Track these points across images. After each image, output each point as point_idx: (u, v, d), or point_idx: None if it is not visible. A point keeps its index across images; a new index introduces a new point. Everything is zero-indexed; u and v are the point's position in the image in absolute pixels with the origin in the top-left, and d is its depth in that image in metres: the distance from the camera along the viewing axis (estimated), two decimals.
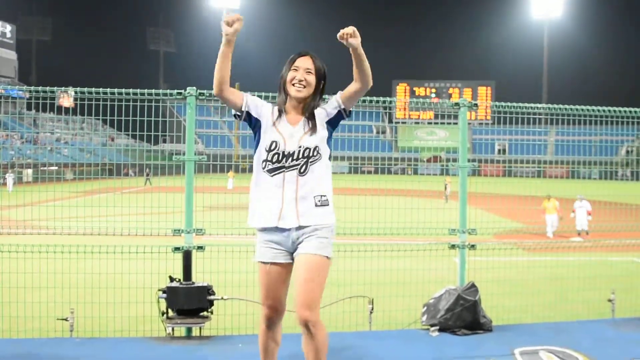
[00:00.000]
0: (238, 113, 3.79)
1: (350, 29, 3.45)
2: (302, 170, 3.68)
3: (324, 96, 3.89)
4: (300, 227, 3.68)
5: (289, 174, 3.68)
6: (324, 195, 3.75)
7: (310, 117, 3.75)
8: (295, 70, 3.74)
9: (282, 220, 3.68)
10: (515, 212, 8.42)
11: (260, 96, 6.12)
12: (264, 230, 3.76)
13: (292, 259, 3.77)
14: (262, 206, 3.74)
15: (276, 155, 3.69)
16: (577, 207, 18.71)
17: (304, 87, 3.72)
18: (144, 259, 5.96)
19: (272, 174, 3.70)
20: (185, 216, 5.97)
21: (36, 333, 6.01)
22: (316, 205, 3.71)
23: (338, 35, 3.46)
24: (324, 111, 3.80)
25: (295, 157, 3.68)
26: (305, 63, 3.75)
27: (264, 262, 3.77)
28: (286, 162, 3.68)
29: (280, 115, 3.77)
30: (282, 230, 3.70)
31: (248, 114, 3.78)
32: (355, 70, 3.62)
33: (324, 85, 3.84)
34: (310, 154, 3.69)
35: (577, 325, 6.39)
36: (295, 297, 3.66)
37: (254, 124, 3.81)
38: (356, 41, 3.48)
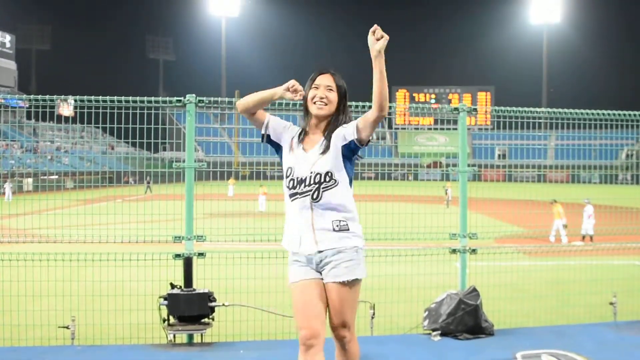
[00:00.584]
0: (262, 135, 3.79)
1: (380, 31, 3.38)
2: (314, 197, 3.59)
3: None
4: (319, 252, 3.60)
5: (302, 200, 3.61)
6: (343, 221, 3.62)
7: (327, 139, 3.65)
8: (316, 88, 3.68)
9: (302, 246, 3.63)
10: (517, 216, 8.41)
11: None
12: (291, 251, 3.74)
13: (320, 275, 3.67)
14: (287, 230, 3.74)
15: (292, 182, 3.65)
16: (584, 211, 18.71)
17: (325, 104, 3.66)
18: (144, 266, 5.96)
19: (292, 199, 3.66)
20: (186, 223, 5.97)
21: (37, 341, 6.00)
22: (334, 230, 3.60)
23: (371, 29, 3.38)
24: (343, 136, 3.65)
25: (307, 182, 3.61)
26: (325, 80, 3.69)
27: (294, 282, 3.66)
28: (299, 188, 3.62)
29: (300, 138, 3.72)
30: (304, 256, 3.66)
31: (268, 137, 3.78)
32: (375, 92, 3.46)
33: (345, 104, 3.75)
34: (322, 180, 3.59)
35: (579, 329, 6.38)
36: (329, 317, 3.66)
37: (276, 147, 3.81)
38: (380, 45, 3.37)
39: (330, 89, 3.68)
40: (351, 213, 3.69)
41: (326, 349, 3.60)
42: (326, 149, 3.63)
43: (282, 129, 3.79)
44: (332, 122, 3.70)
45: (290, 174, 3.67)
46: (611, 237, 7.99)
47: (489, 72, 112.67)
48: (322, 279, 3.66)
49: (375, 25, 3.38)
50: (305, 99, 3.72)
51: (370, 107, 3.59)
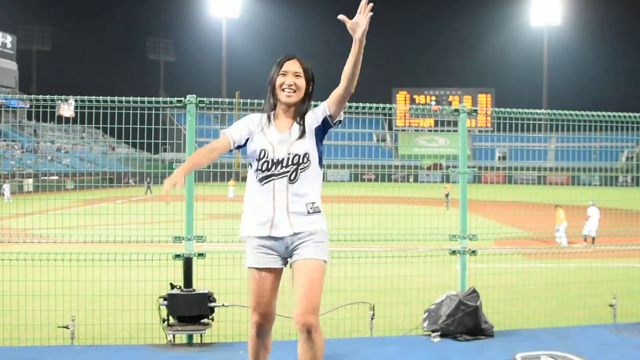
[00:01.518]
0: (230, 149, 3.74)
1: (368, 9, 3.38)
2: (292, 178, 3.63)
3: (313, 102, 3.85)
4: (294, 234, 3.65)
5: (279, 182, 3.63)
6: (315, 202, 3.70)
7: (301, 123, 3.70)
8: (284, 75, 3.68)
9: (274, 228, 3.64)
10: (517, 218, 8.42)
11: (260, 103, 6.16)
12: (255, 236, 3.72)
13: (285, 264, 3.75)
14: (254, 216, 3.70)
15: (266, 163, 3.64)
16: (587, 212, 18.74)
17: (294, 91, 3.67)
18: (144, 266, 5.96)
19: (263, 182, 3.65)
20: (186, 223, 5.97)
21: (37, 341, 5.99)
22: (308, 212, 3.67)
23: (362, 3, 3.37)
24: (314, 117, 3.73)
25: (284, 164, 3.63)
26: (293, 67, 3.69)
27: (257, 268, 3.71)
28: (275, 169, 3.63)
29: (269, 121, 3.73)
30: (276, 238, 3.67)
31: (239, 144, 3.76)
32: (346, 69, 3.51)
33: (312, 88, 3.78)
34: (300, 161, 3.64)
35: (578, 331, 6.38)
36: (297, 302, 3.60)
37: (245, 142, 3.76)
38: (362, 28, 3.38)
39: (298, 75, 3.68)
40: (319, 194, 3.77)
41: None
42: (302, 133, 3.67)
43: (245, 126, 3.76)
44: (300, 110, 3.72)
45: (264, 156, 3.65)
46: (611, 239, 7.98)
47: (489, 74, 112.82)
48: (283, 267, 3.74)
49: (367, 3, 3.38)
50: (273, 85, 3.71)
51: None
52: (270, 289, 3.74)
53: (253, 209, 3.72)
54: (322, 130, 3.74)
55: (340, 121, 3.77)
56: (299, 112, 3.72)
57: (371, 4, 3.38)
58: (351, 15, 3.39)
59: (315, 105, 3.83)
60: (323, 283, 3.69)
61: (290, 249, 3.69)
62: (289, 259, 3.74)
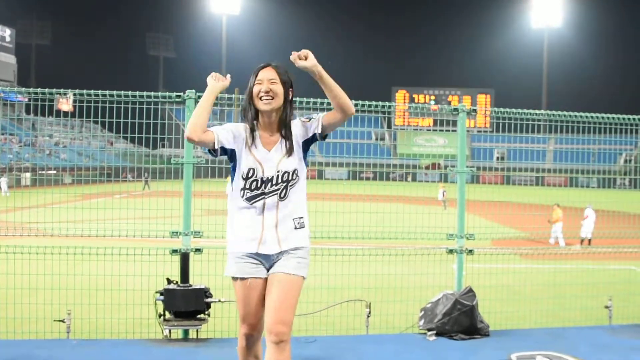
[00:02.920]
0: (212, 150, 3.62)
1: (303, 52, 3.38)
2: (282, 195, 3.59)
3: (310, 116, 3.72)
4: (280, 252, 3.62)
5: (270, 200, 3.59)
6: (301, 217, 3.68)
7: (287, 137, 3.62)
8: (260, 83, 3.59)
9: (262, 245, 3.60)
10: (514, 219, 8.44)
11: None
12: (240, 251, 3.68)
13: (266, 272, 3.68)
14: (241, 234, 3.65)
15: (255, 182, 3.59)
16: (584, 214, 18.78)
17: (272, 98, 3.57)
18: (141, 261, 5.97)
19: (252, 201, 3.60)
20: (184, 218, 5.97)
21: (33, 335, 5.99)
22: (295, 228, 3.64)
23: (291, 57, 3.39)
24: (304, 130, 3.67)
25: (274, 182, 3.58)
26: (267, 74, 3.60)
27: (243, 278, 3.66)
28: (265, 188, 3.58)
29: (253, 137, 3.63)
30: (263, 255, 3.64)
31: (222, 149, 3.62)
32: (330, 97, 3.49)
33: (292, 94, 3.69)
34: (290, 178, 3.60)
35: (574, 331, 6.39)
36: (269, 313, 3.55)
37: (230, 154, 3.66)
38: (309, 63, 3.37)
39: (274, 82, 3.60)
40: (306, 208, 3.75)
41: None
42: (290, 148, 3.61)
43: (231, 134, 3.63)
44: (283, 118, 3.64)
45: (252, 175, 3.59)
46: (608, 241, 8.00)
47: (489, 75, 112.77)
48: (264, 276, 3.67)
49: (293, 54, 3.41)
50: (250, 96, 3.63)
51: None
52: (258, 299, 3.67)
53: (241, 227, 3.66)
54: (309, 142, 3.70)
55: (327, 135, 3.72)
56: (282, 122, 3.64)
57: (300, 52, 3.40)
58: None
59: (305, 113, 3.81)
60: (298, 299, 3.65)
61: (273, 262, 3.65)
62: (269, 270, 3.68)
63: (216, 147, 3.58)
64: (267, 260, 3.65)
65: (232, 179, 3.71)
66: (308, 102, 6.13)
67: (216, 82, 3.62)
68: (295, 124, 3.68)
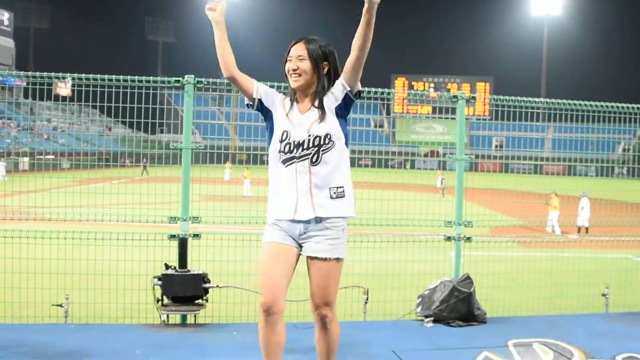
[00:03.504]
0: (250, 102, 3.69)
1: None
2: (314, 160, 3.55)
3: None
4: (316, 218, 3.57)
5: (301, 165, 3.55)
6: (340, 187, 3.61)
7: (320, 106, 3.61)
8: (290, 60, 3.63)
9: (297, 212, 3.56)
10: (512, 207, 8.45)
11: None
12: (276, 219, 3.66)
13: (298, 246, 3.64)
14: (279, 199, 3.63)
15: (288, 145, 3.58)
16: (580, 203, 18.81)
17: (300, 75, 3.59)
18: (139, 246, 5.97)
19: (286, 164, 3.59)
20: (182, 204, 5.97)
21: (31, 319, 6.00)
22: (331, 197, 3.58)
23: None
24: (333, 97, 3.64)
25: (305, 146, 3.55)
26: (297, 51, 3.62)
27: (270, 242, 3.62)
28: (297, 152, 3.56)
29: (292, 104, 3.67)
30: (298, 221, 3.59)
31: (260, 102, 3.68)
32: (355, 39, 3.47)
33: (331, 67, 3.67)
34: (322, 142, 3.56)
35: (570, 319, 6.41)
36: (312, 294, 3.63)
37: (266, 114, 3.71)
38: None
39: (302, 58, 3.60)
40: (347, 178, 3.69)
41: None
42: (323, 113, 3.60)
43: (272, 93, 3.73)
44: (319, 91, 3.65)
45: (286, 138, 3.59)
46: (605, 229, 8.01)
47: (488, 62, 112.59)
48: (296, 249, 3.64)
49: None
50: (285, 72, 3.69)
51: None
52: (279, 266, 3.58)
53: (278, 192, 3.65)
54: (344, 107, 3.66)
55: (361, 92, 3.69)
56: (316, 96, 3.65)
57: None
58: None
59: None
60: (339, 278, 3.70)
61: (302, 237, 3.62)
62: (302, 245, 3.64)
63: (254, 96, 3.68)
64: (301, 227, 3.60)
65: (269, 143, 3.71)
66: None
67: (213, 14, 3.76)
68: (326, 96, 3.66)
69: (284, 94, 3.80)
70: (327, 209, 3.58)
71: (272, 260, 3.61)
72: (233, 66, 3.66)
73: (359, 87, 3.66)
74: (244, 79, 3.68)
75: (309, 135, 3.57)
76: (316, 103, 3.63)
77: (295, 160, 3.58)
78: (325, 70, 3.65)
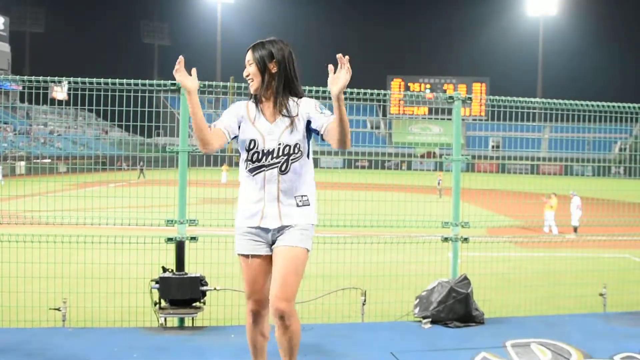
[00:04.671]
0: (228, 141, 3.71)
1: (347, 65, 3.24)
2: (283, 169, 3.57)
3: (324, 110, 3.62)
4: (282, 227, 3.62)
5: (269, 173, 3.57)
6: (305, 195, 3.65)
7: (285, 112, 3.57)
8: (245, 67, 3.66)
9: (264, 219, 3.61)
10: (509, 207, 8.47)
11: None
12: (244, 226, 3.69)
13: (271, 250, 3.69)
14: (246, 206, 3.67)
15: (256, 154, 3.58)
16: (572, 203, 18.82)
17: (252, 79, 3.61)
18: (136, 249, 5.96)
19: (254, 173, 3.61)
20: (179, 207, 5.96)
21: (28, 323, 5.99)
22: (297, 205, 3.62)
23: (338, 56, 3.24)
24: (314, 113, 3.59)
25: (275, 154, 3.56)
26: (247, 57, 3.64)
27: (246, 255, 3.69)
28: (266, 160, 3.57)
29: (257, 109, 3.64)
30: (264, 229, 3.64)
31: (235, 131, 3.67)
32: (335, 131, 3.42)
33: (280, 67, 3.59)
34: (291, 152, 3.57)
35: (568, 319, 6.42)
36: (272, 287, 3.58)
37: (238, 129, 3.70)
38: (344, 81, 3.24)
39: (250, 63, 3.62)
40: (312, 187, 3.72)
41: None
42: (291, 124, 3.57)
43: (233, 118, 3.67)
44: (274, 92, 3.60)
45: (254, 147, 3.59)
46: (602, 229, 8.03)
47: (484, 63, 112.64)
48: (271, 254, 3.67)
49: (340, 57, 3.25)
50: None
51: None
52: (261, 275, 3.71)
53: (245, 200, 3.69)
54: (311, 131, 3.65)
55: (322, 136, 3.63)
56: (275, 97, 3.60)
57: (347, 56, 3.24)
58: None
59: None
60: (303, 272, 3.67)
61: (275, 237, 3.66)
62: (274, 242, 3.68)
63: (229, 138, 3.66)
64: (270, 235, 3.65)
65: (240, 151, 3.71)
66: (317, 91, 6.13)
67: (185, 82, 3.48)
68: (308, 103, 3.63)
69: (245, 100, 3.77)
70: (293, 218, 3.62)
71: (251, 271, 3.71)
72: (211, 139, 3.55)
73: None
74: (219, 140, 3.60)
75: (279, 144, 3.57)
76: (284, 111, 3.58)
77: (264, 168, 3.59)
78: (275, 69, 3.59)
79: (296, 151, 3.59)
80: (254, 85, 3.62)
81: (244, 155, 3.66)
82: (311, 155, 3.74)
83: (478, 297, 6.27)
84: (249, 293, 3.75)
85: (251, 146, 3.60)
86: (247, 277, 3.73)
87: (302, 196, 3.65)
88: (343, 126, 3.38)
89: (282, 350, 3.71)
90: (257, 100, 3.67)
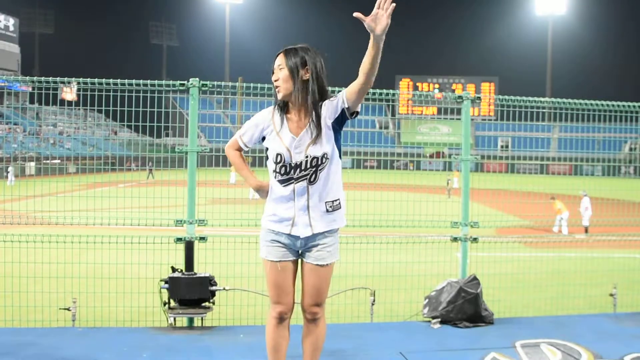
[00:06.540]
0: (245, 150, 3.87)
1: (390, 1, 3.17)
2: (311, 180, 3.56)
3: (330, 89, 3.66)
4: (312, 235, 3.63)
5: (299, 185, 3.57)
6: (336, 199, 3.65)
7: (316, 123, 3.52)
8: (274, 72, 3.60)
9: (294, 227, 3.61)
10: (518, 207, 8.44)
11: (263, 88, 6.15)
12: (272, 231, 3.69)
13: (298, 256, 3.74)
14: (275, 210, 3.66)
15: (283, 168, 3.57)
16: (581, 203, 18.76)
17: (280, 85, 3.55)
18: (146, 249, 5.97)
19: (283, 184, 3.60)
20: (188, 207, 5.97)
21: (38, 323, 6.02)
22: (327, 211, 3.62)
23: (378, 2, 3.16)
24: (332, 108, 3.55)
25: (303, 167, 3.55)
26: (277, 62, 3.59)
27: (273, 261, 3.69)
28: (294, 173, 3.55)
29: (282, 120, 3.60)
30: (294, 237, 3.65)
31: (257, 141, 3.75)
32: (364, 64, 3.34)
33: (314, 73, 3.54)
34: (319, 163, 3.55)
35: (578, 319, 6.39)
36: (304, 294, 3.73)
37: (261, 138, 3.71)
38: (385, 22, 3.18)
39: (281, 68, 3.56)
40: (340, 187, 3.72)
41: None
42: (318, 133, 3.52)
43: (254, 128, 3.71)
44: (306, 99, 3.54)
45: (281, 161, 3.57)
46: (612, 229, 7.99)
47: (493, 63, 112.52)
48: (296, 259, 3.75)
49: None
50: None
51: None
52: (288, 281, 3.74)
53: (275, 202, 3.68)
54: (340, 122, 3.59)
55: (357, 113, 3.59)
56: (307, 104, 3.55)
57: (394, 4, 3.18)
58: (365, 11, 3.26)
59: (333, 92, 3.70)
60: (330, 279, 3.80)
61: (302, 248, 3.69)
62: (301, 254, 3.73)
63: (245, 149, 3.82)
64: (299, 242, 3.67)
65: (268, 155, 3.71)
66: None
67: (257, 189, 3.83)
68: (324, 105, 3.58)
69: (271, 107, 3.72)
70: (324, 224, 3.64)
71: (279, 275, 3.73)
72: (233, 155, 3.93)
73: (358, 108, 3.57)
74: (235, 154, 3.92)
75: (307, 157, 3.55)
76: (313, 117, 3.54)
77: (293, 181, 3.58)
78: (307, 76, 3.54)
79: (323, 161, 3.57)
80: (282, 91, 3.55)
81: (271, 166, 3.64)
82: (340, 157, 3.71)
83: (487, 297, 6.25)
84: (275, 298, 3.75)
85: (278, 160, 3.58)
86: (273, 283, 3.73)
87: (332, 201, 3.64)
88: (374, 63, 3.34)
89: (307, 351, 3.83)
90: (283, 109, 3.63)
